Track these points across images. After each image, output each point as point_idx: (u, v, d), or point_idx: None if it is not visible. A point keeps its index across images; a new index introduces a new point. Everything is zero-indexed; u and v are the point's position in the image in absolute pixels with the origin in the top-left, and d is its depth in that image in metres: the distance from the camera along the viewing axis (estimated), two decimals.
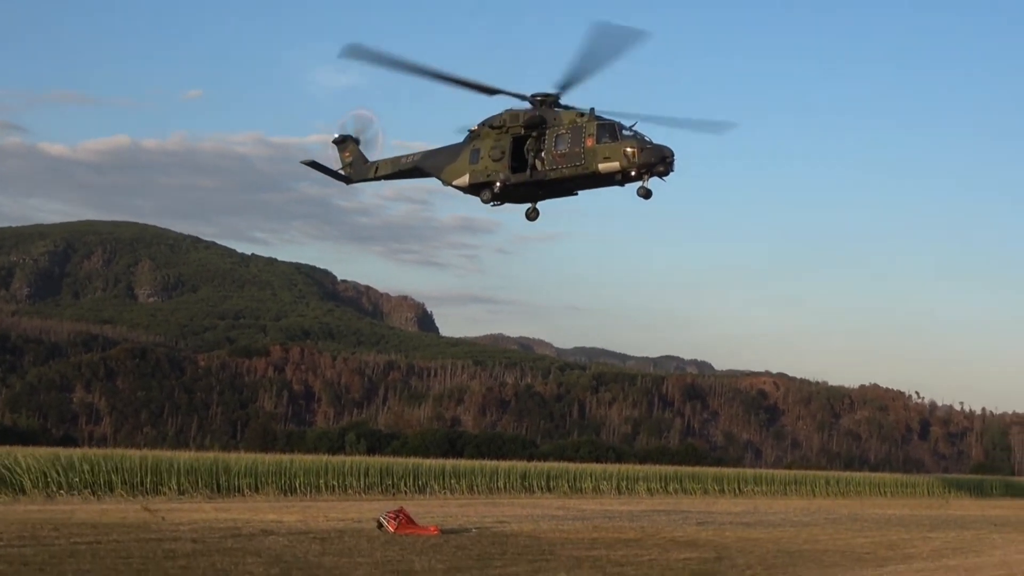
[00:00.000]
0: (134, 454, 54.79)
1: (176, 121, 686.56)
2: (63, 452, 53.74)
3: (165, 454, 57.02)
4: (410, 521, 32.40)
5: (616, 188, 37.83)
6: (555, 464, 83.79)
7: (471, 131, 40.69)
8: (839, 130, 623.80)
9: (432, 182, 43.38)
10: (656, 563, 26.87)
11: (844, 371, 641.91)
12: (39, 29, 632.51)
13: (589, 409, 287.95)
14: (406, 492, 61.17)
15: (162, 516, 34.91)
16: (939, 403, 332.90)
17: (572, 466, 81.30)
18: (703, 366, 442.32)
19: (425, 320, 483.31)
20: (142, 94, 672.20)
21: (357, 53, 37.87)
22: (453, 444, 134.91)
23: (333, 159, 47.23)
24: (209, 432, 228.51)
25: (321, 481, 58.74)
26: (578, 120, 37.53)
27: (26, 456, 48.56)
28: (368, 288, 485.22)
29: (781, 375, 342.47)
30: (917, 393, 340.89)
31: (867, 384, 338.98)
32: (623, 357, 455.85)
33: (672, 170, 36.20)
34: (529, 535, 33.86)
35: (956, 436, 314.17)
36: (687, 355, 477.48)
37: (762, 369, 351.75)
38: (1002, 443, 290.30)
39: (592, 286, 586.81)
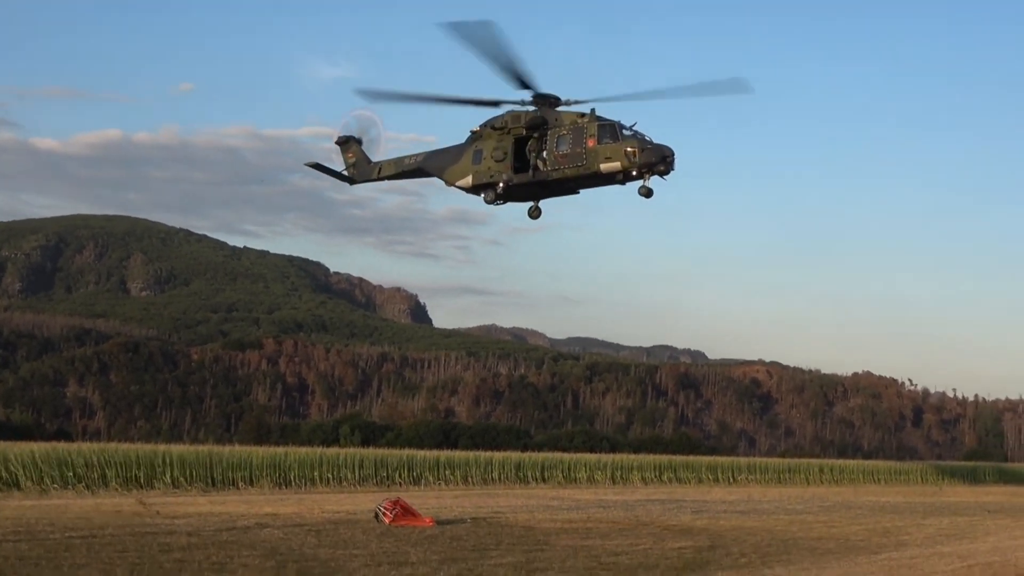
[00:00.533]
0: (128, 448, 54.78)
1: (168, 115, 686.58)
2: (57, 447, 53.68)
3: (159, 448, 57.01)
4: (407, 512, 32.41)
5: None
6: (549, 454, 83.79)
7: (473, 132, 41.02)
8: (831, 118, 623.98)
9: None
10: (651, 552, 26.95)
11: (837, 359, 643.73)
12: (30, 24, 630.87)
13: (583, 399, 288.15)
14: (401, 484, 61.20)
15: (157, 510, 34.93)
16: (932, 390, 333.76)
17: (566, 456, 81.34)
18: (696, 355, 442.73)
19: (418, 312, 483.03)
20: (133, 88, 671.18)
21: (370, 95, 40.74)
22: (447, 435, 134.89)
23: (335, 159, 47.36)
24: (203, 425, 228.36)
25: (316, 473, 58.76)
26: (579, 121, 37.88)
27: (20, 451, 48.55)
28: (361, 280, 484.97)
29: (774, 363, 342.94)
30: (910, 380, 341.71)
31: (860, 372, 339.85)
32: (616, 347, 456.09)
33: (672, 169, 36.63)
34: (524, 525, 33.93)
35: (949, 423, 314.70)
36: (680, 344, 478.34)
37: (755, 358, 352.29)
38: (995, 429, 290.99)
39: (585, 276, 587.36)
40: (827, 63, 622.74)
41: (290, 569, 21.38)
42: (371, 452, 68.30)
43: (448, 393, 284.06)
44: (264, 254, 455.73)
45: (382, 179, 45.66)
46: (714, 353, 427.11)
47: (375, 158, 45.88)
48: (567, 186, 39.28)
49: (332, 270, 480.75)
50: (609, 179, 37.54)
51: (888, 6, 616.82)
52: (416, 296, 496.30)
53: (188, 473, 52.26)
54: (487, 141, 40.23)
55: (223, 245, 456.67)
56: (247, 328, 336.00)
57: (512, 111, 39.65)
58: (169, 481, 50.76)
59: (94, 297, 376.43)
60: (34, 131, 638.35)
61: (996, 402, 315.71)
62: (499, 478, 69.10)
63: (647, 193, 36.49)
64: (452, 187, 41.49)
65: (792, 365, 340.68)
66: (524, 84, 37.55)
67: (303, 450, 64.37)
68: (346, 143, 46.52)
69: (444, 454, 71.01)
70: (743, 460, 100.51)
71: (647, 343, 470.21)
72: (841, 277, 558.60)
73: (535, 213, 40.75)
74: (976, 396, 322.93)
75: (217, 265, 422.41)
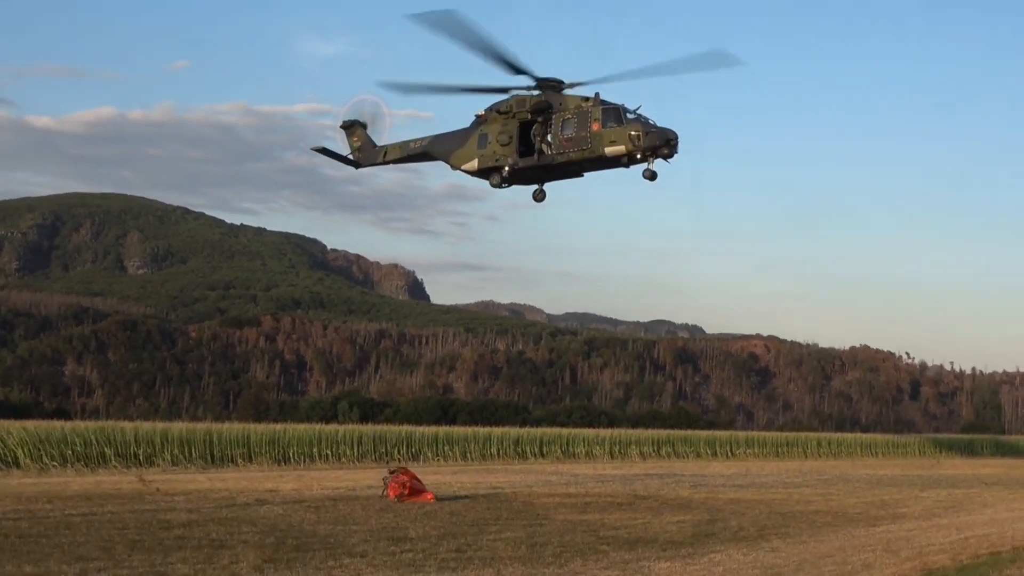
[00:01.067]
0: (127, 426, 54.83)
1: (162, 92, 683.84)
2: (56, 425, 53.75)
3: (158, 425, 57.04)
4: (414, 491, 32.20)
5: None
6: (548, 430, 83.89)
7: (478, 116, 41.19)
8: (828, 89, 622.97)
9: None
10: (649, 526, 27.03)
11: (835, 333, 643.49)
12: (23, 2, 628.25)
13: (581, 374, 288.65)
14: (399, 460, 61.24)
15: (156, 487, 34.98)
16: (929, 363, 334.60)
17: (565, 431, 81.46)
18: (694, 330, 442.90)
19: (416, 288, 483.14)
20: (128, 65, 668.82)
21: (396, 87, 41.30)
22: (446, 411, 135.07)
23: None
24: (202, 403, 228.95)
25: (314, 450, 58.87)
26: (583, 105, 38.05)
27: (19, 430, 48.61)
28: (358, 257, 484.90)
29: (772, 337, 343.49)
30: (907, 354, 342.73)
31: (857, 345, 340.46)
32: (614, 322, 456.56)
33: (676, 152, 36.76)
34: (523, 500, 34.01)
35: (946, 396, 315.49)
36: (678, 319, 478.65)
37: (753, 332, 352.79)
38: (992, 402, 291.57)
39: (582, 252, 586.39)
40: (826, 38, 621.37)
41: (289, 545, 21.42)
42: (369, 428, 68.34)
43: (446, 369, 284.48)
44: (261, 231, 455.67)
45: (387, 163, 45.84)
46: (712, 327, 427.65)
47: (380, 142, 46.05)
48: (572, 169, 39.55)
49: (329, 247, 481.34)
50: (614, 162, 37.71)
51: None
52: (413, 272, 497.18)
53: (187, 450, 52.35)
54: (492, 125, 40.41)
55: (220, 223, 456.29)
56: (245, 305, 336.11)
57: (517, 95, 39.78)
58: (168, 458, 50.85)
59: (91, 275, 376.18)
60: (29, 109, 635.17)
61: (993, 375, 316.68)
62: (497, 454, 69.24)
63: (651, 176, 36.69)
64: (458, 171, 41.74)
65: (790, 339, 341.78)
66: (514, 69, 37.74)
67: (301, 427, 64.43)
68: (351, 127, 46.62)
69: (442, 430, 71.10)
70: (741, 434, 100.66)
71: (645, 318, 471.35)
72: (838, 251, 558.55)
73: (540, 196, 41.07)
74: (973, 369, 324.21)
75: (214, 243, 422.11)
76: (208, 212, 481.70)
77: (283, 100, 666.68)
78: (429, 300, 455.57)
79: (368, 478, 42.81)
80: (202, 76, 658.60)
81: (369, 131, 46.31)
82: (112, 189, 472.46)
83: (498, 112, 40.26)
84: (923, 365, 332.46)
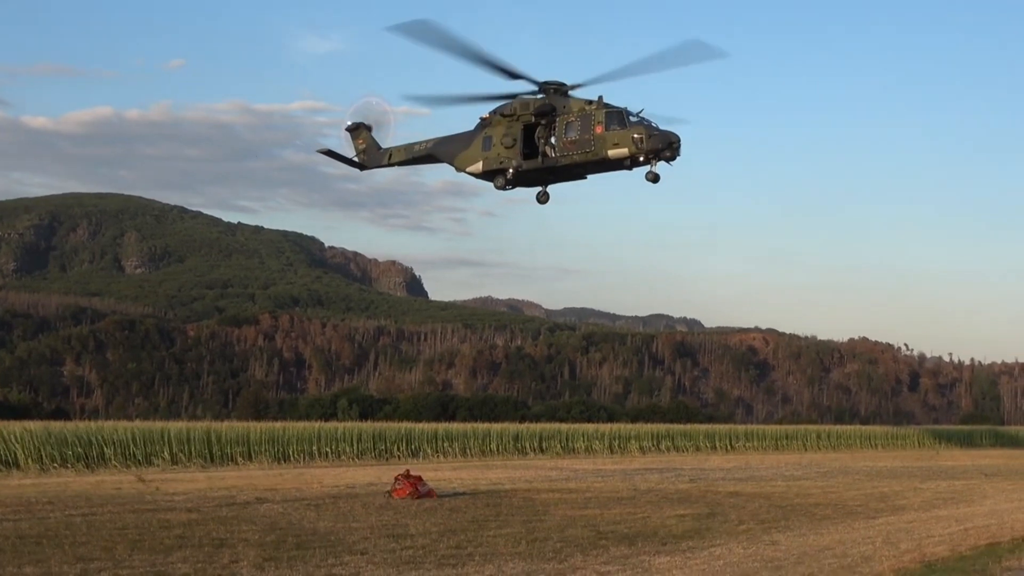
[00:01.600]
0: (126, 426, 54.89)
1: (159, 91, 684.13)
2: (55, 425, 53.76)
3: (157, 425, 57.09)
4: (419, 494, 32.06)
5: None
6: (547, 425, 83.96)
7: (482, 119, 41.60)
8: (825, 84, 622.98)
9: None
10: (649, 520, 27.06)
11: (833, 325, 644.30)
12: (20, 1, 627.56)
13: (580, 369, 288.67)
14: (399, 456, 61.34)
15: (156, 487, 35.00)
16: (928, 355, 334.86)
17: (564, 427, 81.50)
18: (692, 324, 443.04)
19: (414, 284, 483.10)
20: (125, 65, 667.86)
21: (418, 100, 41.35)
22: (445, 408, 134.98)
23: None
24: (201, 402, 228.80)
25: (314, 448, 58.89)
26: (587, 108, 38.42)
27: (19, 430, 48.61)
28: (356, 254, 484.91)
29: (770, 330, 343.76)
30: (906, 345, 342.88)
31: (856, 337, 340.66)
32: (612, 317, 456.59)
33: (679, 155, 37.18)
34: (523, 496, 34.05)
35: (946, 387, 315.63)
36: (676, 313, 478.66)
37: (751, 325, 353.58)
38: (991, 393, 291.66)
39: (580, 247, 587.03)
40: (822, 33, 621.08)
41: (290, 543, 21.45)
42: (369, 426, 68.42)
43: (445, 365, 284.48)
44: (259, 230, 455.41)
45: (392, 165, 46.37)
46: (710, 321, 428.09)
47: (384, 144, 46.38)
48: (575, 172, 39.90)
49: (327, 244, 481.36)
50: (617, 165, 38.10)
51: None
52: (411, 269, 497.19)
53: (187, 449, 52.39)
54: (496, 128, 40.80)
55: (217, 221, 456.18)
56: (243, 304, 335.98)
57: (521, 98, 40.27)
58: (168, 458, 50.89)
59: (89, 275, 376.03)
60: (25, 109, 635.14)
61: (992, 366, 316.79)
62: (497, 450, 69.28)
63: (654, 178, 37.11)
64: (462, 173, 42.02)
65: (788, 332, 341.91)
66: (507, 73, 38.05)
67: (301, 425, 64.48)
68: (356, 130, 46.98)
69: (442, 426, 71.18)
70: (740, 428, 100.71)
71: (643, 312, 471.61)
72: (836, 243, 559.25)
73: (543, 198, 41.51)
74: (972, 360, 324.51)
75: (212, 241, 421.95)
76: (205, 211, 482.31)
77: (280, 98, 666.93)
78: (427, 297, 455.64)
79: (368, 475, 42.86)
80: (199, 75, 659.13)
81: (374, 133, 46.65)
82: (109, 189, 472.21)
83: (502, 115, 40.69)
84: (922, 356, 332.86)
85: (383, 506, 29.57)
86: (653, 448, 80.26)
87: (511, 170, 40.10)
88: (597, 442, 77.08)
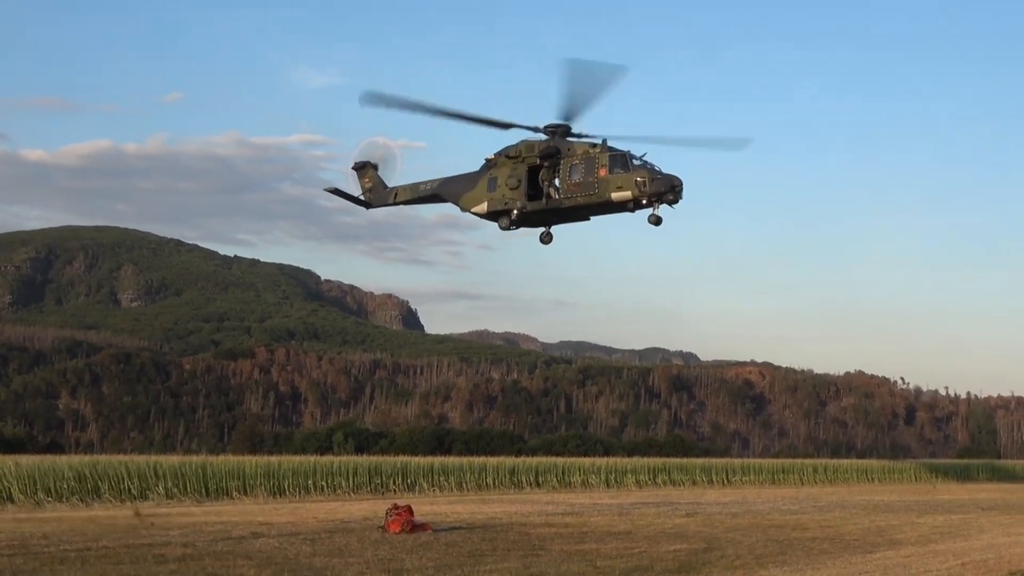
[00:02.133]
0: (121, 460, 54.70)
1: (156, 124, 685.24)
2: (50, 459, 53.58)
3: (152, 459, 56.94)
4: (412, 525, 32.00)
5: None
6: (543, 459, 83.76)
7: (488, 160, 42.24)
8: (819, 117, 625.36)
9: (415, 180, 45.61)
10: (646, 555, 27.00)
11: (829, 359, 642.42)
12: (18, 35, 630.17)
13: (576, 403, 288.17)
14: (395, 491, 61.13)
15: (151, 521, 34.88)
16: (924, 388, 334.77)
17: (560, 460, 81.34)
18: (689, 357, 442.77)
19: (410, 318, 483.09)
20: (122, 98, 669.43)
21: (375, 100, 39.96)
22: (441, 441, 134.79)
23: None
24: (196, 435, 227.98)
25: (310, 482, 58.65)
26: (591, 151, 39.07)
27: (13, 464, 48.44)
28: (352, 287, 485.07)
29: (767, 364, 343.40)
30: (902, 379, 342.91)
31: (852, 371, 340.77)
32: (609, 350, 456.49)
33: (681, 198, 37.84)
34: (519, 530, 33.95)
35: (942, 421, 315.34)
36: (672, 347, 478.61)
37: (747, 359, 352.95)
38: (988, 426, 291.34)
39: (576, 280, 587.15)
40: (815, 65, 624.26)
41: None
42: (365, 459, 68.23)
43: (441, 399, 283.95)
44: (255, 263, 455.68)
45: (398, 203, 46.93)
46: (706, 355, 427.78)
47: (390, 183, 46.84)
48: (579, 213, 40.47)
49: (323, 277, 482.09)
50: (620, 207, 38.73)
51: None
52: (407, 302, 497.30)
53: (182, 483, 52.14)
54: (502, 169, 41.41)
55: (214, 254, 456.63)
56: (239, 337, 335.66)
57: (526, 140, 40.95)
58: (163, 492, 50.63)
59: (85, 309, 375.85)
60: (23, 142, 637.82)
61: (988, 399, 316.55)
62: (493, 483, 69.05)
63: (656, 221, 37.70)
64: (467, 213, 42.48)
65: (784, 365, 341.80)
66: (498, 125, 39.19)
67: (297, 458, 64.32)
68: (363, 168, 47.52)
69: (438, 460, 71.03)
70: (737, 461, 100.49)
71: (639, 346, 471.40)
72: (832, 277, 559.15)
73: (547, 238, 41.96)
74: (968, 394, 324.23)
75: (208, 275, 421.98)
76: (202, 244, 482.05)
77: (277, 131, 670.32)
78: (423, 330, 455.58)
79: (364, 509, 42.73)
80: (196, 108, 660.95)
81: (380, 172, 47.09)
82: (106, 222, 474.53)
83: (507, 156, 41.33)
84: (918, 390, 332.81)
85: (378, 541, 29.47)
86: (649, 482, 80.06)
87: (515, 211, 40.62)
88: (593, 476, 76.86)
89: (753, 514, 44.85)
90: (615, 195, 38.00)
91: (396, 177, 47.06)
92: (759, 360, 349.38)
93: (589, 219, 41.02)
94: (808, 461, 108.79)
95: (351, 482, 60.89)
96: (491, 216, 41.77)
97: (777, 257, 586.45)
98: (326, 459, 66.12)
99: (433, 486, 64.80)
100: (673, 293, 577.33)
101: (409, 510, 32.91)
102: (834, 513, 46.39)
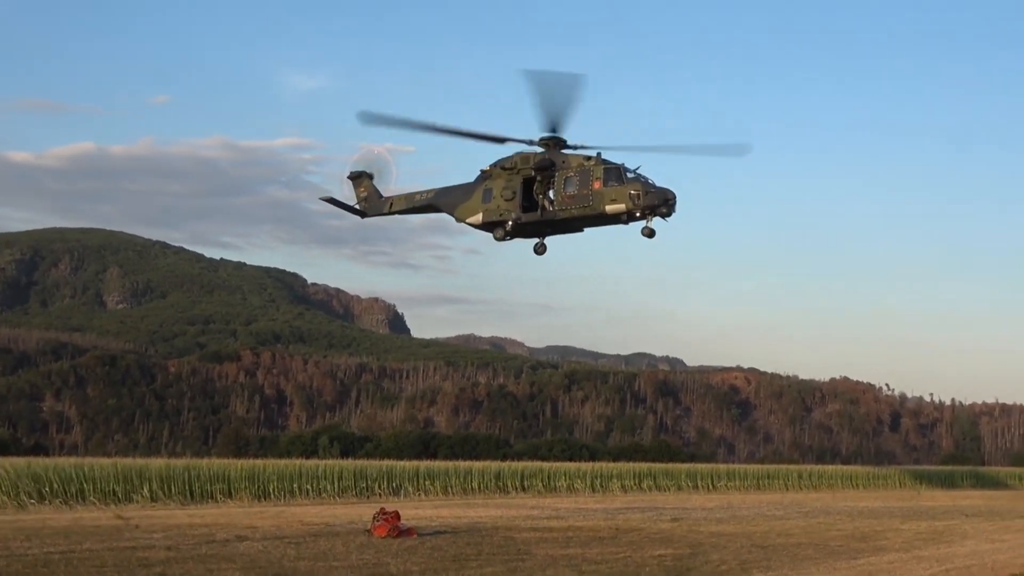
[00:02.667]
0: (106, 462, 54.56)
1: (143, 127, 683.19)
2: (34, 461, 53.43)
3: (137, 462, 56.82)
4: (398, 531, 31.97)
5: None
6: (529, 463, 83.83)
7: (483, 171, 42.75)
8: (807, 124, 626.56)
9: (410, 189, 46.54)
10: (631, 560, 27.01)
11: (814, 365, 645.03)
12: (3, 36, 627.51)
13: (562, 408, 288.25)
14: (380, 494, 61.10)
15: (135, 524, 34.79)
16: (909, 395, 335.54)
17: (546, 465, 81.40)
18: (675, 362, 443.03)
19: (396, 322, 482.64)
20: (109, 100, 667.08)
21: (371, 120, 40.24)
22: (427, 445, 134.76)
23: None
24: (181, 438, 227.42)
25: (295, 485, 58.58)
26: (586, 164, 39.51)
27: None
28: (338, 291, 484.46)
29: (752, 370, 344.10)
30: (887, 385, 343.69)
31: (837, 377, 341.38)
32: (595, 355, 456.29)
33: (674, 211, 38.43)
34: (504, 535, 33.94)
35: (926, 427, 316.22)
36: (658, 352, 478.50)
37: (733, 364, 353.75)
38: (972, 433, 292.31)
39: (563, 285, 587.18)
40: (808, 74, 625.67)
41: None
42: (350, 463, 68.18)
43: (427, 403, 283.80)
44: (241, 266, 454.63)
45: (393, 213, 47.19)
46: (692, 360, 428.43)
47: (386, 192, 47.09)
48: (573, 225, 40.91)
49: (309, 281, 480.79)
50: (614, 219, 39.19)
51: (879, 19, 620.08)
52: (394, 306, 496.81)
53: (166, 487, 52.01)
54: (497, 180, 41.85)
55: (200, 257, 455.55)
56: (224, 340, 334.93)
57: (521, 152, 41.40)
58: (147, 495, 50.50)
59: (70, 311, 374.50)
60: (8, 145, 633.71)
61: (973, 406, 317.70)
62: (479, 488, 69.05)
63: (650, 234, 38.12)
64: (462, 223, 42.79)
65: (770, 371, 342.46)
66: (490, 139, 39.36)
67: (282, 462, 64.22)
68: (358, 178, 47.73)
69: (424, 464, 70.99)
70: (722, 467, 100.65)
71: (625, 351, 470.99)
72: (818, 283, 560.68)
73: (541, 249, 42.67)
74: (953, 400, 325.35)
75: (194, 277, 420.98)
76: (188, 247, 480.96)
77: (265, 135, 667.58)
78: (410, 334, 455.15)
79: (349, 513, 42.68)
80: (183, 111, 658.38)
81: (376, 181, 47.23)
82: (91, 224, 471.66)
83: (503, 168, 41.78)
84: (903, 397, 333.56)
85: (364, 544, 29.44)
86: (635, 487, 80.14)
87: (510, 222, 41.09)
88: (579, 481, 76.93)
89: (738, 520, 44.91)
90: (609, 207, 38.37)
91: (392, 186, 47.43)
92: (745, 365, 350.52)
93: (583, 230, 41.40)
94: (793, 467, 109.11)
95: (336, 486, 60.84)
96: (486, 227, 42.14)
97: (763, 263, 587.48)
98: (311, 463, 66.06)
99: (419, 490, 64.79)
100: (659, 298, 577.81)
101: (397, 515, 32.90)
102: (819, 519, 46.48)
